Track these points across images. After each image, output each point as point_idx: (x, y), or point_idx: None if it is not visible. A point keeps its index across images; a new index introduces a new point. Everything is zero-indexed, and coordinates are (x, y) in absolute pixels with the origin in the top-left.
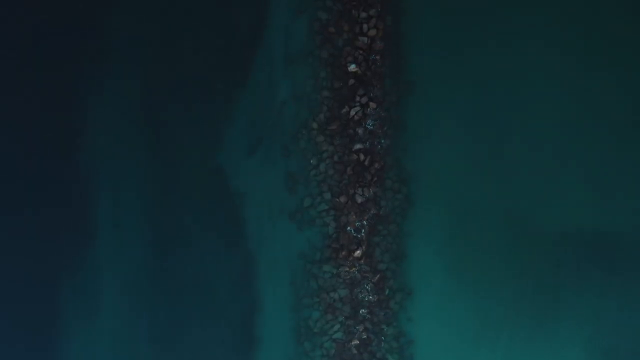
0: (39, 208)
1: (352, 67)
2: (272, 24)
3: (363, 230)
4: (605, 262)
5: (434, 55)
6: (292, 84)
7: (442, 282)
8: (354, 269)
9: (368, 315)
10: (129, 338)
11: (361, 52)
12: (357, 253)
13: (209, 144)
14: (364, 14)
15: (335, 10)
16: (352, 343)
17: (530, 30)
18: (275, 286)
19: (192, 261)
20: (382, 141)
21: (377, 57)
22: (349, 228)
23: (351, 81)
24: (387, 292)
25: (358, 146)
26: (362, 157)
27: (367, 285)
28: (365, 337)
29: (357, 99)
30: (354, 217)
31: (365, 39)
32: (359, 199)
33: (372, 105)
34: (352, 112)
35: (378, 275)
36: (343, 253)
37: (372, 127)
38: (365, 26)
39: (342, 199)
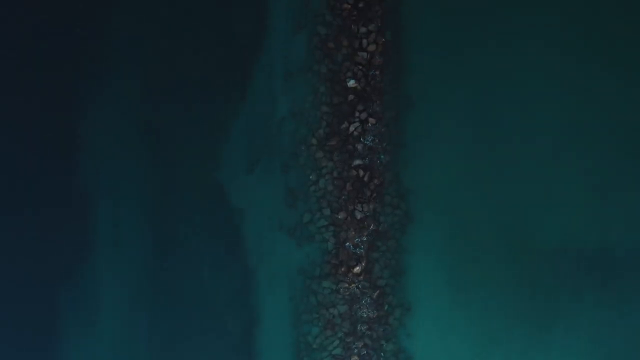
0: (38, 212)
1: (352, 83)
2: (271, 39)
3: (362, 246)
4: (603, 276)
5: (433, 70)
6: (291, 99)
7: (442, 297)
8: (353, 285)
9: (367, 331)
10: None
11: (360, 67)
12: (357, 269)
13: (207, 159)
14: (363, 29)
15: (335, 25)
16: (352, 359)
17: (534, 41)
18: (274, 302)
19: (191, 276)
20: (382, 157)
21: (377, 73)
22: (348, 244)
23: (350, 97)
24: (386, 308)
25: (357, 162)
26: (361, 173)
27: (366, 301)
28: (364, 353)
29: (357, 114)
30: (354, 233)
31: (364, 54)
32: (359, 215)
33: (372, 121)
34: (352, 128)
35: (377, 291)
36: (342, 269)
37: (371, 143)
38: (364, 41)
39: (342, 215)
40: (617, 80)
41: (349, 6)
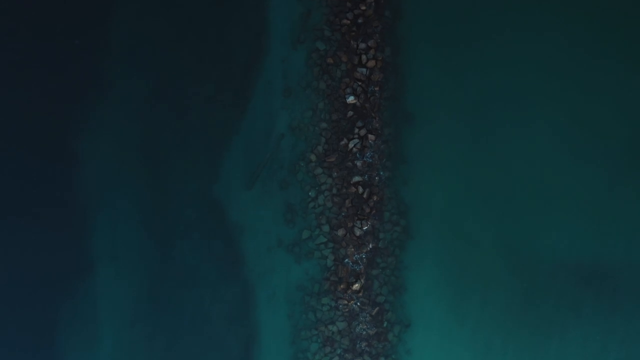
0: (36, 227)
1: (351, 99)
2: (270, 55)
3: (361, 263)
4: (602, 290)
5: (433, 86)
6: (290, 115)
7: (441, 314)
8: (352, 301)
9: (366, 348)
10: None
11: (360, 83)
12: (356, 286)
13: (206, 175)
14: (362, 45)
15: (334, 41)
16: None
17: (532, 59)
18: (273, 318)
19: (190, 294)
20: (381, 173)
21: (376, 89)
22: (347, 260)
23: (350, 113)
24: (385, 324)
25: (357, 179)
26: (360, 189)
27: (365, 317)
28: None
29: (356, 131)
30: (353, 250)
31: (364, 70)
32: (358, 232)
33: (371, 137)
34: (351, 145)
35: (377, 308)
36: (341, 286)
37: (370, 160)
38: (364, 57)
39: (341, 232)
40: (616, 112)
41: (348, 22)
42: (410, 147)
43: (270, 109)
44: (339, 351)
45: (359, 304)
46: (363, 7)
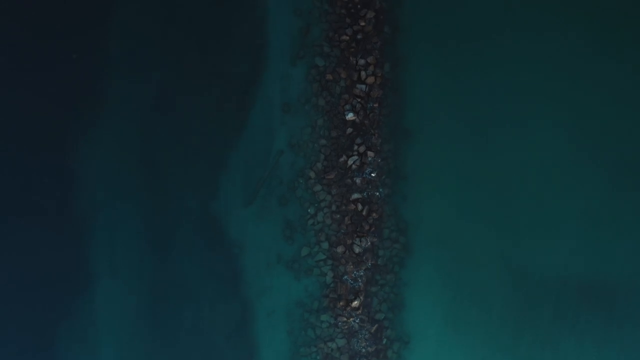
0: (35, 243)
1: (350, 116)
2: (269, 71)
3: (361, 280)
4: (603, 310)
5: (432, 102)
6: (289, 131)
7: (440, 331)
8: (351, 319)
9: None
10: None
11: (359, 100)
12: (355, 303)
13: (205, 191)
14: (362, 61)
15: (333, 57)
16: None
17: (531, 77)
18: (272, 335)
19: (189, 310)
20: (381, 190)
21: (375, 105)
22: (346, 277)
23: (349, 130)
24: (384, 341)
25: (356, 196)
26: (360, 206)
27: (364, 335)
28: None
29: (355, 147)
30: (352, 267)
31: (363, 86)
32: (357, 249)
33: (370, 154)
34: (350, 162)
35: (376, 325)
36: (341, 303)
37: (370, 177)
38: (363, 73)
39: (340, 249)
40: (617, 126)
41: (348, 38)
42: (410, 163)
43: (269, 125)
44: None
45: (358, 321)
46: (362, 23)
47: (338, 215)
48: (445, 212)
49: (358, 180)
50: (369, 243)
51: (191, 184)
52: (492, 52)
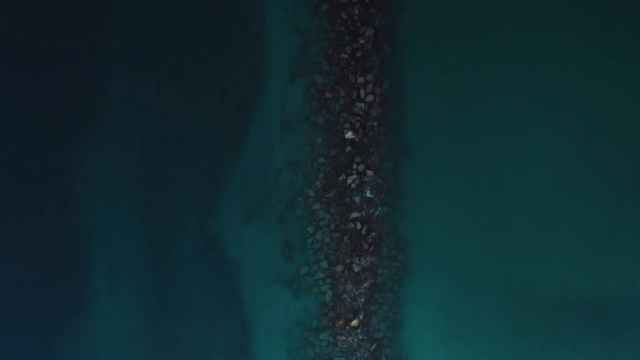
0: (35, 261)
1: (349, 134)
2: (268, 89)
3: (360, 299)
4: (602, 327)
5: (431, 120)
6: (288, 149)
7: (439, 349)
8: (350, 337)
9: None
10: None
11: (358, 118)
12: (354, 322)
13: (205, 210)
14: (361, 79)
15: (332, 75)
16: None
17: (532, 99)
18: (271, 353)
19: (189, 328)
20: (380, 209)
21: (375, 124)
22: (345, 296)
23: (348, 148)
24: None
25: (355, 215)
26: (359, 225)
27: (363, 354)
28: None
29: (354, 166)
30: (351, 286)
31: (362, 104)
32: (356, 268)
33: (369, 173)
34: (349, 180)
35: (375, 344)
36: (340, 322)
37: (369, 195)
38: (362, 91)
39: (339, 268)
40: (616, 145)
41: (347, 56)
42: (409, 181)
43: (268, 143)
44: None
45: (357, 339)
46: (362, 41)
47: (337, 234)
48: (444, 230)
49: (357, 199)
50: (368, 262)
51: (190, 201)
52: (492, 72)
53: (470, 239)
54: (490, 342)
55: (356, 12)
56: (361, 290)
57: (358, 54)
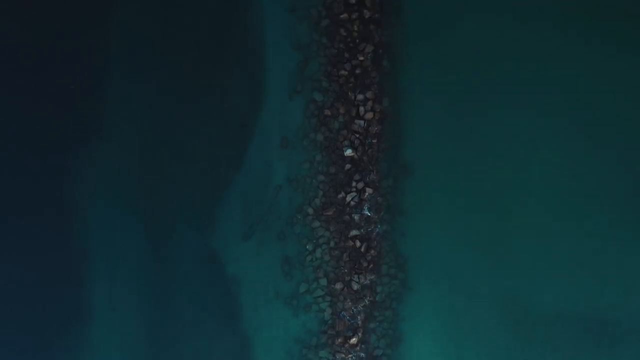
0: (34, 276)
1: (349, 152)
2: (267, 105)
3: (359, 317)
4: (601, 340)
5: (431, 136)
6: (287, 167)
7: None
8: (350, 355)
9: None
10: None
11: (357, 135)
12: (353, 340)
13: (204, 227)
14: (360, 96)
15: (332, 92)
16: None
17: (532, 112)
18: None
19: (188, 345)
20: (379, 226)
21: (374, 141)
22: (344, 314)
23: (347, 166)
24: None
25: (354, 232)
26: (358, 243)
27: None
28: None
29: (354, 184)
30: (350, 303)
31: (362, 122)
32: (355, 286)
33: (369, 190)
34: (348, 198)
35: None
36: (339, 340)
37: (368, 213)
38: (362, 109)
39: (338, 286)
40: (615, 163)
41: (346, 73)
42: (408, 198)
43: (268, 160)
44: None
45: (356, 357)
46: (361, 58)
47: (336, 252)
48: (444, 247)
49: (356, 217)
50: (368, 280)
51: (189, 219)
52: (491, 87)
53: (469, 256)
54: (489, 358)
55: (356, 29)
56: (360, 307)
57: (357, 71)
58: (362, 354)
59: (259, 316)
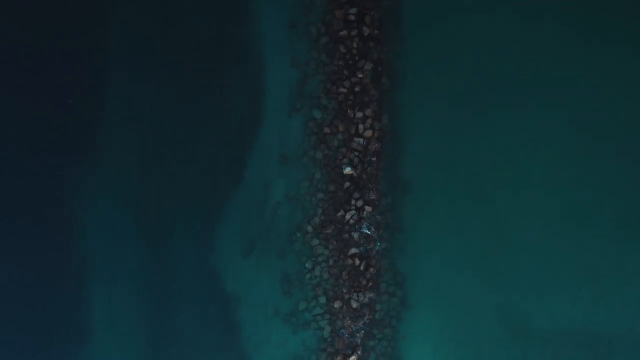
0: (33, 297)
1: (348, 170)
2: (266, 122)
3: (358, 335)
4: (602, 358)
5: (430, 154)
6: (286, 184)
7: None
8: None
9: None
10: None
11: (357, 153)
12: (352, 358)
13: (203, 244)
14: (359, 114)
15: (331, 109)
16: None
17: (533, 129)
18: None
19: None
20: (378, 244)
21: (373, 159)
22: (343, 332)
23: (347, 184)
24: None
25: (353, 250)
26: (357, 261)
27: None
28: None
29: (353, 202)
30: (349, 321)
31: (361, 140)
32: (354, 304)
33: (368, 208)
34: (348, 216)
35: None
36: (338, 358)
37: (367, 231)
38: (361, 126)
39: (337, 304)
40: (616, 177)
41: (345, 90)
42: (407, 216)
43: (267, 178)
44: None
45: None
46: (360, 75)
47: (336, 270)
48: (443, 265)
49: (356, 235)
50: (367, 298)
51: (188, 236)
52: (493, 107)
53: (469, 274)
54: None
55: (355, 46)
56: (359, 325)
57: (357, 88)
58: None
59: (259, 333)
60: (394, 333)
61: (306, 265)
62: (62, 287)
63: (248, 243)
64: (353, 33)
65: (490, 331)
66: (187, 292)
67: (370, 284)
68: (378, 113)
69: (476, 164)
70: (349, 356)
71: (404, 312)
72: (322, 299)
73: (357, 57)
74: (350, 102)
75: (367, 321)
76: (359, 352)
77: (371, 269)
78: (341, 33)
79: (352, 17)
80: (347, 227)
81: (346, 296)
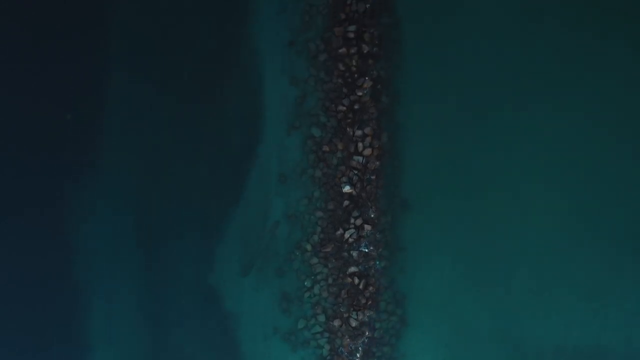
0: (32, 311)
1: (347, 189)
2: (265, 141)
3: (357, 353)
4: None
5: (429, 172)
6: (285, 203)
7: None
8: None
9: None
10: None
11: (356, 172)
12: None
13: (202, 262)
14: (359, 132)
15: (330, 128)
16: None
17: (530, 151)
18: None
19: None
20: (377, 263)
21: (373, 177)
22: (342, 350)
23: (346, 202)
24: None
25: (353, 269)
26: (356, 280)
27: None
28: None
29: (352, 220)
30: (348, 340)
31: (360, 158)
32: (354, 323)
33: (367, 227)
34: (347, 235)
35: None
36: None
37: (366, 250)
38: (360, 145)
39: (337, 323)
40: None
41: (345, 108)
42: (407, 234)
43: (266, 196)
44: None
45: None
46: (359, 93)
47: (335, 288)
48: (442, 284)
49: (355, 254)
50: (366, 316)
51: (187, 255)
52: (493, 124)
53: (469, 293)
54: None
55: (354, 64)
56: (359, 344)
57: (356, 106)
58: None
59: (258, 352)
60: (393, 351)
61: (305, 283)
62: (62, 304)
63: (247, 261)
64: (352, 51)
65: (489, 350)
66: (186, 310)
67: (370, 302)
68: (377, 131)
69: (476, 183)
70: None
71: (403, 330)
72: (322, 318)
73: (356, 75)
74: (349, 120)
75: (366, 340)
76: None
77: (370, 288)
78: (340, 50)
79: (352, 35)
80: (346, 245)
81: (345, 315)
